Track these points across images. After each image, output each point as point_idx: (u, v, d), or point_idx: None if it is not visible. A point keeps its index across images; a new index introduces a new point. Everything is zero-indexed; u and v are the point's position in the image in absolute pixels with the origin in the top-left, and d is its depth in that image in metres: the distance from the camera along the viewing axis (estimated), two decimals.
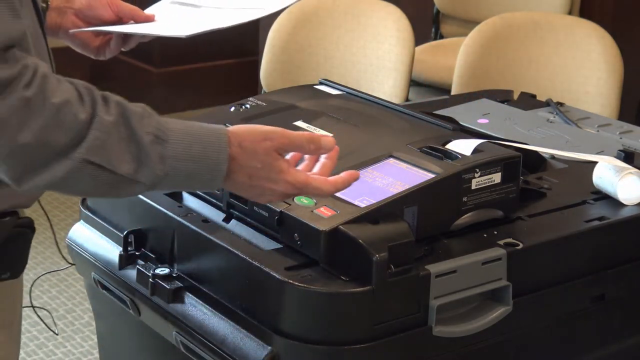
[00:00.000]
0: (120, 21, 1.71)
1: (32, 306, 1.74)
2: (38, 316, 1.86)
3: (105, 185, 1.26)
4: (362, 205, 1.43)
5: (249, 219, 1.52)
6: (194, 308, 1.50)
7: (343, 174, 1.36)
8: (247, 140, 1.31)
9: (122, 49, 1.72)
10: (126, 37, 1.70)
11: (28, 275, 1.53)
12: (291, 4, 1.79)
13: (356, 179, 1.37)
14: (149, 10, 1.78)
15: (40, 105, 1.19)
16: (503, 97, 2.25)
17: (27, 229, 1.41)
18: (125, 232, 1.62)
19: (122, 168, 1.24)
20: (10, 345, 1.47)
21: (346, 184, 1.36)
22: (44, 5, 1.64)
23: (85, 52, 1.72)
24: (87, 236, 1.74)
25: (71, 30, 1.66)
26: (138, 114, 1.26)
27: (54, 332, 2.10)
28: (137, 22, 1.73)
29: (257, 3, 1.79)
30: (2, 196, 1.35)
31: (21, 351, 2.94)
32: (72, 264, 1.77)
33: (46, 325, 1.95)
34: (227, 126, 1.32)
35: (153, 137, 1.25)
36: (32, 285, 1.72)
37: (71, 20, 1.67)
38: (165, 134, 1.26)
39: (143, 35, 1.68)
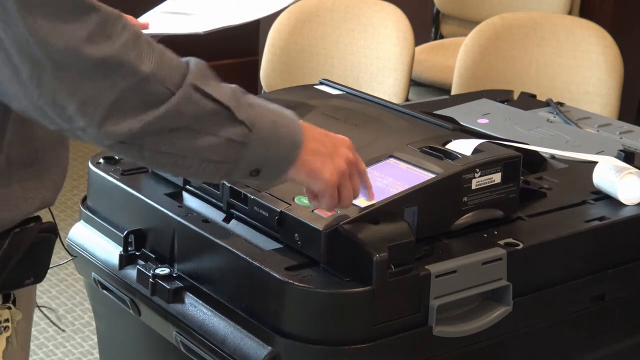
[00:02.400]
0: None
1: (38, 306, 1.74)
2: (44, 314, 1.86)
3: (210, 118, 1.24)
4: (362, 205, 1.43)
5: (249, 219, 1.52)
6: (194, 308, 1.50)
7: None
8: (319, 133, 1.36)
9: None
10: None
11: None
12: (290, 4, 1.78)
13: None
14: (141, 20, 1.76)
15: (149, 42, 1.21)
16: (503, 97, 2.25)
17: (51, 233, 1.41)
18: (125, 232, 1.62)
19: (224, 98, 1.24)
20: (22, 352, 1.48)
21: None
22: None
23: None
24: (87, 236, 1.74)
25: None
26: (210, 73, 1.27)
27: (60, 328, 2.09)
28: None
29: (249, 7, 1.76)
30: (31, 196, 1.35)
31: None
32: (74, 256, 1.76)
33: (53, 322, 1.95)
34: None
35: (236, 90, 1.28)
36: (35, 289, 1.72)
37: None
38: (244, 93, 1.29)
39: (155, 35, 1.67)
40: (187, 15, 1.77)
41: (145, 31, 1.65)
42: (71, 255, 1.77)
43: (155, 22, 1.75)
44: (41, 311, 1.83)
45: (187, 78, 1.22)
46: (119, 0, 1.65)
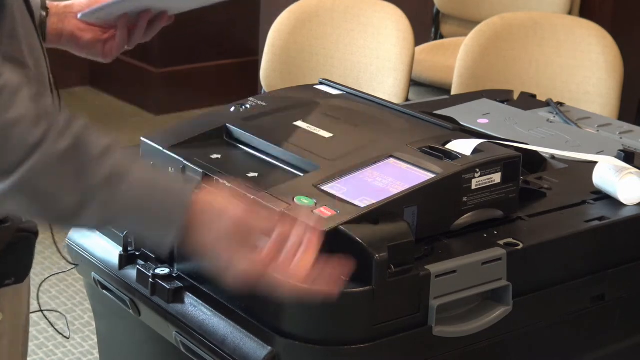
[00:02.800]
0: (123, 17, 1.69)
1: (41, 310, 1.73)
2: (46, 319, 1.86)
3: (40, 214, 1.21)
4: (362, 205, 1.43)
5: None
6: (194, 308, 1.50)
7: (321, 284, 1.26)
8: (207, 211, 1.24)
9: (127, 47, 1.69)
10: (131, 31, 1.67)
11: (34, 280, 1.52)
12: None
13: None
14: None
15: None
16: (503, 97, 2.25)
17: (30, 233, 1.41)
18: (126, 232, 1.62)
19: (60, 203, 1.18)
20: (10, 353, 1.47)
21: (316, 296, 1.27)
22: (44, 13, 1.61)
23: (91, 54, 1.68)
24: (87, 236, 1.74)
25: (79, 14, 1.63)
26: (97, 150, 1.20)
27: (64, 335, 2.07)
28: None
29: None
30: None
31: None
32: (75, 265, 1.76)
33: (56, 330, 1.95)
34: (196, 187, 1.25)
35: (103, 179, 1.19)
36: (38, 290, 1.72)
37: (73, 24, 1.64)
38: (121, 179, 1.20)
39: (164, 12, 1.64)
40: None
41: (160, 6, 1.63)
42: (72, 264, 1.77)
43: None
44: (46, 317, 1.83)
45: (20, 168, 1.17)
46: None
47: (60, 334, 2.05)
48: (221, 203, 1.25)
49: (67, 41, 1.66)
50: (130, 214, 1.22)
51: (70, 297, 3.27)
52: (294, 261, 1.24)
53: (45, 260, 3.32)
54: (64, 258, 1.74)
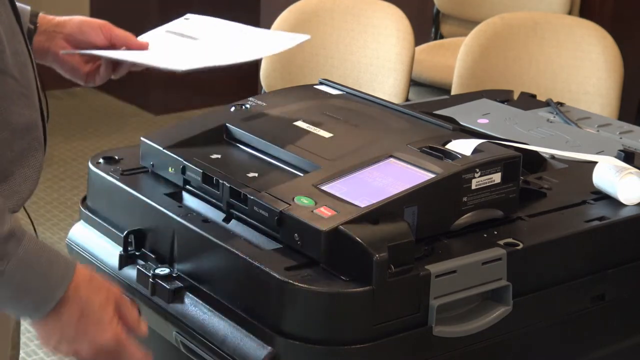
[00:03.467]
0: (112, 47, 1.68)
1: None
2: None
3: None
4: (362, 205, 1.43)
5: (249, 219, 1.52)
6: (194, 308, 1.50)
7: None
8: (86, 285, 1.32)
9: (112, 77, 1.70)
10: (116, 64, 1.67)
11: None
12: (291, 46, 1.76)
13: None
14: (142, 38, 1.75)
15: None
16: (503, 97, 2.25)
17: None
18: (125, 232, 1.62)
19: None
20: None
21: None
22: (32, 26, 1.60)
23: (74, 78, 1.68)
24: (87, 236, 1.74)
25: (61, 52, 1.63)
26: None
27: None
28: (130, 49, 1.69)
29: (256, 44, 1.75)
30: None
31: (21, 351, 2.94)
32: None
33: None
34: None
35: None
36: None
37: (61, 45, 1.64)
38: (7, 253, 1.24)
39: (135, 64, 1.65)
40: (192, 39, 1.75)
41: (125, 58, 1.62)
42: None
43: (156, 42, 1.73)
44: None
45: None
46: (121, 18, 1.65)
47: None
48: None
49: (51, 61, 1.66)
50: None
51: None
52: None
53: None
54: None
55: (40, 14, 1.63)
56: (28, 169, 1.40)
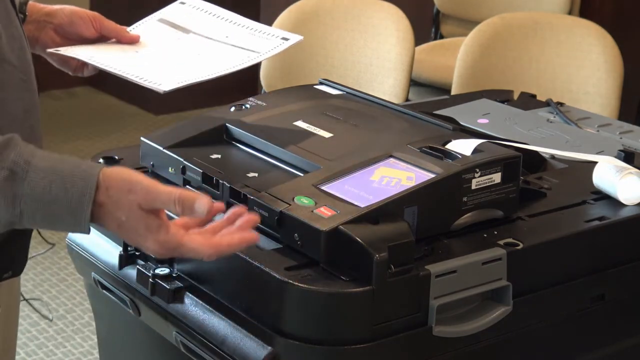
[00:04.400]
0: (102, 39, 1.66)
1: (26, 299, 1.73)
2: (32, 307, 1.86)
3: None
4: (362, 205, 1.43)
5: None
6: (194, 308, 1.50)
7: (235, 237, 1.28)
8: (114, 187, 1.23)
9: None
10: None
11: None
12: (284, 49, 1.72)
13: (249, 242, 1.29)
14: (134, 30, 1.72)
15: None
16: (503, 97, 2.25)
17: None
18: None
19: None
20: (4, 345, 1.47)
21: (232, 248, 1.29)
22: (21, 15, 1.56)
23: (63, 68, 1.66)
24: (87, 236, 1.74)
25: (48, 50, 1.60)
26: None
27: (49, 318, 2.07)
28: (121, 42, 1.66)
29: (244, 47, 1.71)
30: None
31: (21, 351, 2.95)
32: (52, 245, 1.75)
33: (43, 315, 1.94)
34: (110, 163, 1.26)
35: (8, 172, 1.19)
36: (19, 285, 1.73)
37: (50, 36, 1.61)
38: (24, 170, 1.20)
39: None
40: (184, 32, 1.73)
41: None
42: (49, 243, 1.74)
43: (146, 36, 1.71)
44: (29, 304, 1.83)
45: None
46: (120, 9, 1.64)
47: (45, 316, 2.05)
48: (129, 176, 1.26)
49: (40, 49, 1.63)
50: (40, 203, 1.21)
51: (70, 297, 3.27)
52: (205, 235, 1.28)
53: (45, 260, 3.32)
54: (44, 240, 1.73)
55: (30, 2, 1.59)
56: None
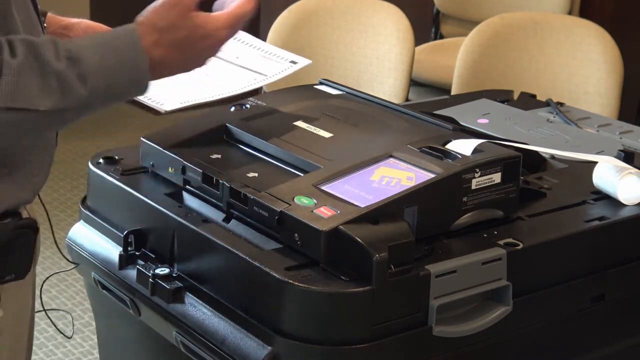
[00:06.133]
0: None
1: (44, 309, 1.73)
2: (49, 318, 1.85)
3: (34, 126, 1.27)
4: (362, 205, 1.43)
5: (249, 219, 1.52)
6: (194, 308, 1.50)
7: None
8: (159, 19, 1.33)
9: None
10: None
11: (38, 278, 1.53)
12: (290, 73, 1.76)
13: None
14: None
15: None
16: (503, 97, 2.25)
17: (29, 230, 1.41)
18: (125, 232, 1.62)
19: (45, 104, 1.24)
20: (12, 350, 1.47)
21: None
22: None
23: None
24: (87, 236, 1.74)
25: None
26: (47, 45, 1.26)
27: (66, 335, 2.06)
28: None
29: (257, 65, 1.74)
30: (3, 194, 1.35)
31: None
32: (76, 264, 1.76)
33: (59, 330, 1.94)
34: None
35: (67, 61, 1.26)
36: (41, 289, 1.73)
37: None
38: (78, 53, 1.27)
39: None
40: None
41: None
42: (73, 263, 1.76)
43: None
44: (48, 317, 1.83)
45: None
46: (121, 17, 1.63)
47: (62, 333, 2.05)
48: (161, 19, 1.35)
49: None
50: (101, 72, 1.29)
51: (70, 297, 3.27)
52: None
53: (45, 260, 3.32)
54: (65, 257, 1.74)
55: (49, 14, 1.63)
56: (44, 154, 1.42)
